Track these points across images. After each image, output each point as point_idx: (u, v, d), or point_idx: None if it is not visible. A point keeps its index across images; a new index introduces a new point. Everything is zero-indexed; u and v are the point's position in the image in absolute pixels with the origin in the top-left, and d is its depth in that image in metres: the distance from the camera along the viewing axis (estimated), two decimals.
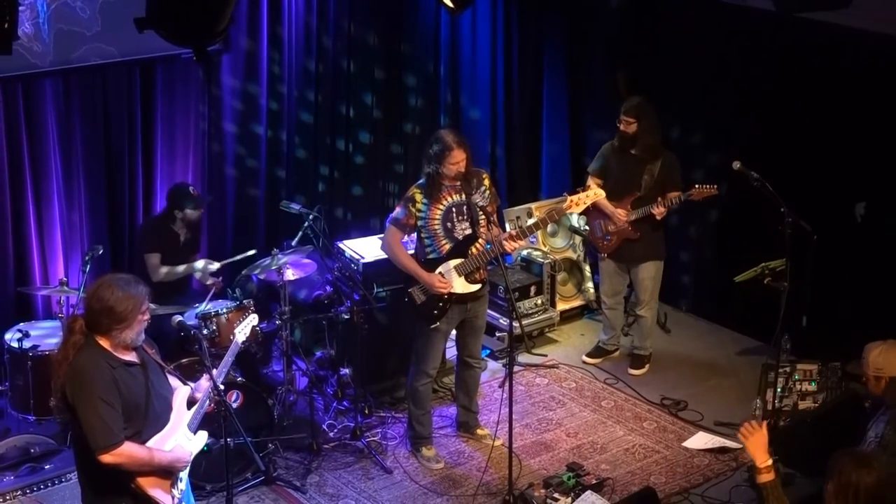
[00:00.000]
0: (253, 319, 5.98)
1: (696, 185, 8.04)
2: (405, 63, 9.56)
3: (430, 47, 9.63)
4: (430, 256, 7.16)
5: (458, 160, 6.98)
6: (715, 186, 8.02)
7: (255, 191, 9.02)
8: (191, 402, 5.46)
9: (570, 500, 6.92)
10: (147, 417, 5.18)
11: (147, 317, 5.22)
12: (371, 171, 9.59)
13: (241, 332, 5.85)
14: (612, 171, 8.28)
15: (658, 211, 8.05)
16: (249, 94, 8.81)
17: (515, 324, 6.87)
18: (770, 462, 5.17)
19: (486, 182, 7.21)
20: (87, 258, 7.39)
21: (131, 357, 5.20)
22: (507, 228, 8.84)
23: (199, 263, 8.03)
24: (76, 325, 5.15)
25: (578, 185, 9.32)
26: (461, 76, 9.82)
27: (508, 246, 7.03)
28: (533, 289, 9.07)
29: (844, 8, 7.25)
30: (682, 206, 8.17)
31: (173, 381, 5.51)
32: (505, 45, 9.81)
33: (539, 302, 9.10)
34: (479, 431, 7.75)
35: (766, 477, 5.14)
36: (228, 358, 5.66)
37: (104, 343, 5.12)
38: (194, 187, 8.11)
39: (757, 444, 5.16)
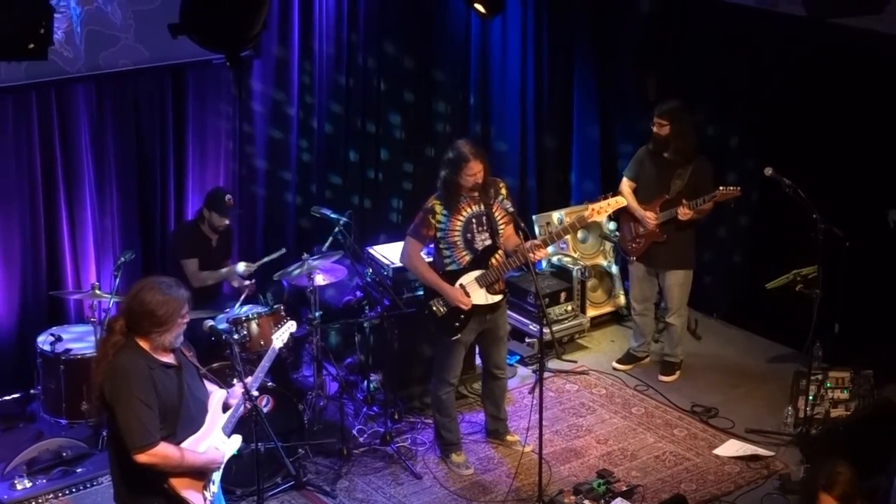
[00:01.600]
0: (291, 326, 6.02)
1: (721, 188, 8.01)
2: (434, 61, 9.58)
3: (461, 51, 9.63)
4: (450, 268, 7.14)
5: (474, 171, 6.95)
6: (738, 188, 8.00)
7: (285, 196, 9.05)
8: (226, 407, 5.50)
9: None
10: (182, 419, 5.22)
11: (186, 320, 5.27)
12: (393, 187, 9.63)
13: (279, 338, 5.89)
14: (645, 173, 8.26)
15: (682, 212, 8.03)
16: (279, 101, 8.84)
17: (546, 330, 6.85)
18: None
19: (504, 191, 7.17)
20: (118, 263, 7.43)
21: (169, 359, 5.25)
22: (538, 234, 8.82)
23: (240, 266, 8.04)
24: (117, 325, 5.21)
25: (609, 192, 9.31)
26: (491, 82, 9.81)
27: (536, 255, 6.98)
28: (563, 295, 9.05)
29: (876, 14, 7.21)
30: (712, 211, 8.13)
31: (210, 384, 5.55)
32: (535, 53, 9.78)
33: (569, 308, 9.09)
34: (509, 438, 7.73)
35: None
36: (265, 363, 5.69)
37: (144, 344, 5.17)
38: (231, 197, 8.09)
39: None
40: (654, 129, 8.15)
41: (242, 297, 7.85)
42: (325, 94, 9.05)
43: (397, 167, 9.59)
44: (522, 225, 6.95)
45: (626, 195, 8.01)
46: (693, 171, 8.12)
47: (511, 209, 7.06)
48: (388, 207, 9.64)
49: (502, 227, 7.10)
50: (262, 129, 8.82)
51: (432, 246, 7.26)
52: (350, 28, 9.05)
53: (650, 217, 8.16)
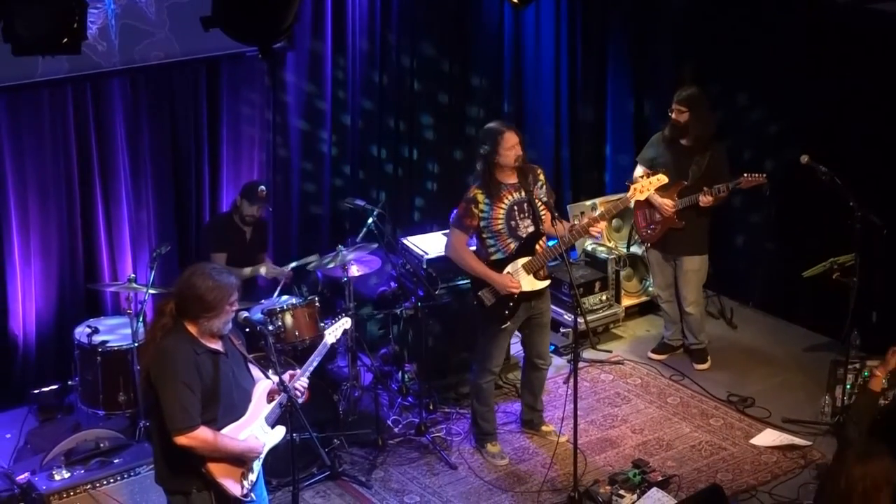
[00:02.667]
0: (345, 322, 6.05)
1: (745, 174, 7.96)
2: (467, 60, 9.56)
3: (493, 46, 9.60)
4: (495, 257, 7.12)
5: (512, 143, 6.93)
6: (764, 175, 7.95)
7: (319, 187, 9.06)
8: (271, 397, 5.53)
9: (635, 497, 6.88)
10: (224, 405, 5.28)
11: (235, 308, 5.33)
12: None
13: (332, 333, 5.93)
14: (661, 160, 8.22)
15: (705, 200, 7.99)
16: (312, 93, 8.84)
17: (580, 320, 6.83)
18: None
19: (542, 177, 7.18)
20: (154, 255, 7.46)
21: (216, 345, 5.31)
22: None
23: (261, 269, 8.06)
24: (167, 308, 5.28)
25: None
26: (525, 73, 9.78)
27: (594, 229, 6.98)
28: (598, 284, 9.03)
29: None
30: (746, 197, 8.09)
31: (256, 373, 5.59)
32: (569, 42, 9.76)
33: (604, 298, 9.06)
34: (544, 428, 7.73)
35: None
36: (315, 358, 5.73)
37: (192, 329, 5.23)
38: (264, 189, 8.10)
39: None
40: (673, 115, 8.11)
41: (280, 286, 7.88)
42: (359, 89, 9.04)
43: (423, 166, 9.58)
44: (557, 214, 6.96)
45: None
46: (710, 158, 8.08)
47: (545, 199, 7.05)
48: (411, 206, 9.63)
49: (544, 213, 7.08)
50: (295, 121, 8.83)
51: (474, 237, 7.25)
52: (383, 21, 9.03)
53: (668, 204, 8.12)
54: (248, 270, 8.00)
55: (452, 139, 9.61)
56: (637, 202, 7.91)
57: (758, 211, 9.18)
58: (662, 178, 7.22)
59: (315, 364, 5.75)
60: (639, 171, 8.25)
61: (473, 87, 9.62)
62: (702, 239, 8.31)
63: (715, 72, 9.30)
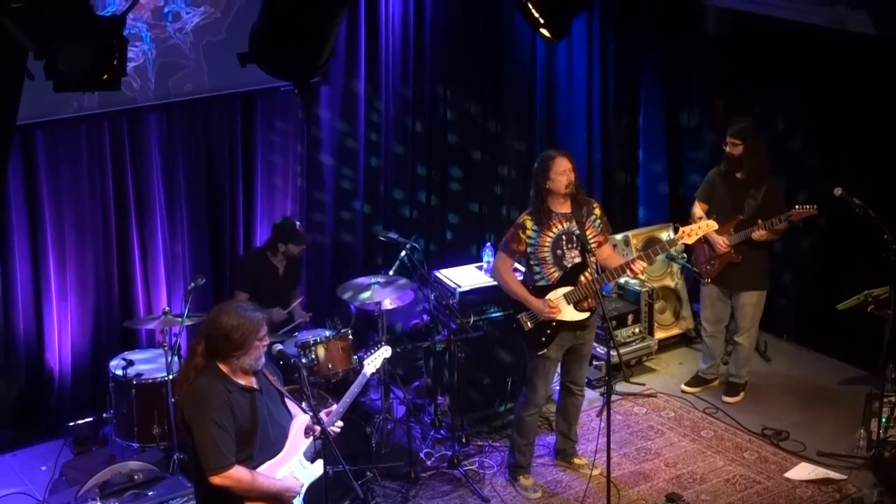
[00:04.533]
0: (385, 352, 6.06)
1: (796, 206, 7.94)
2: (500, 85, 9.61)
3: (527, 79, 9.64)
4: (539, 284, 7.16)
5: (564, 168, 6.98)
6: (815, 207, 7.91)
7: (352, 220, 9.09)
8: (308, 432, 5.53)
9: None
10: (260, 443, 5.28)
11: (265, 342, 5.34)
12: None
13: (371, 363, 5.95)
14: (717, 194, 8.22)
15: (758, 234, 7.97)
16: (345, 131, 8.90)
17: (613, 352, 6.83)
18: None
19: (597, 211, 7.21)
20: (189, 289, 7.51)
21: (250, 382, 5.32)
22: None
23: (274, 311, 8.05)
24: (198, 348, 5.31)
25: (676, 213, 9.25)
26: (557, 102, 9.81)
27: (637, 267, 7.04)
28: (630, 317, 9.01)
29: None
30: (793, 229, 8.07)
31: (294, 408, 5.59)
32: (601, 72, 9.78)
33: (637, 330, 9.04)
34: (577, 461, 7.71)
35: None
36: (354, 388, 5.76)
37: (224, 367, 5.25)
38: (301, 223, 8.18)
39: None
40: (727, 148, 8.11)
41: (293, 324, 7.92)
42: (392, 130, 9.10)
43: (442, 214, 9.59)
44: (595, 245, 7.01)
45: (695, 218, 8.01)
46: (766, 190, 8.06)
47: (598, 233, 7.12)
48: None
49: (594, 246, 7.09)
50: (329, 154, 8.88)
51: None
52: (416, 61, 9.09)
53: (722, 243, 8.10)
54: (274, 313, 7.97)
55: (479, 190, 9.65)
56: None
57: (794, 244, 9.15)
58: (712, 225, 7.26)
59: (354, 395, 5.77)
60: (697, 209, 8.25)
61: (507, 145, 9.65)
62: (761, 274, 8.27)
63: (747, 104, 9.30)
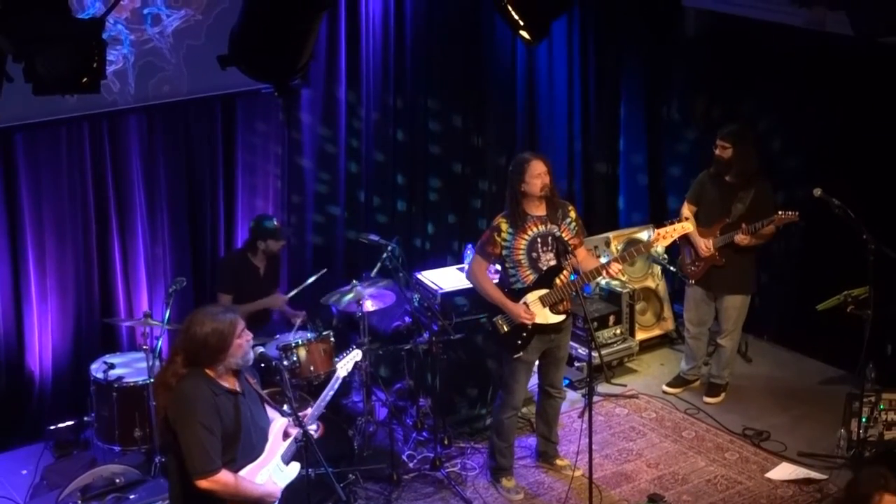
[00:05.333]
0: (356, 355, 6.06)
1: (779, 212, 7.97)
2: (483, 97, 9.61)
3: (507, 84, 9.65)
4: (515, 286, 7.16)
5: (539, 171, 6.99)
6: (797, 213, 7.94)
7: (334, 222, 9.10)
8: (286, 434, 5.54)
9: None
10: (243, 446, 5.28)
11: (245, 338, 5.32)
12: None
13: (344, 367, 5.95)
14: (706, 196, 8.24)
15: (740, 238, 7.99)
16: (326, 134, 8.90)
17: (595, 354, 6.85)
18: None
19: (573, 214, 7.22)
20: (170, 290, 7.50)
21: (234, 385, 5.31)
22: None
23: (277, 301, 8.07)
24: (177, 359, 5.27)
25: (657, 215, 9.26)
26: (539, 105, 9.83)
27: (613, 269, 7.08)
28: (612, 318, 9.03)
29: None
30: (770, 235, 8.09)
31: (271, 411, 5.59)
32: (581, 74, 9.81)
33: (618, 332, 9.06)
34: (559, 462, 7.72)
35: None
36: (328, 392, 5.75)
37: (210, 372, 5.24)
38: (276, 218, 8.22)
39: None
40: (717, 151, 8.13)
41: (296, 327, 7.91)
42: (372, 134, 9.10)
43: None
44: (571, 249, 7.02)
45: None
46: (755, 194, 8.08)
47: (574, 235, 7.12)
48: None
49: (572, 247, 7.10)
50: (309, 157, 8.89)
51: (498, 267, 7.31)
52: (397, 68, 9.10)
53: (703, 247, 8.11)
54: (262, 302, 8.03)
55: (462, 196, 9.68)
56: (681, 239, 7.92)
57: (774, 245, 9.18)
58: (687, 226, 7.30)
59: (328, 398, 5.77)
60: (685, 210, 8.29)
61: (487, 158, 9.66)
62: (746, 278, 8.29)
63: (728, 106, 9.33)
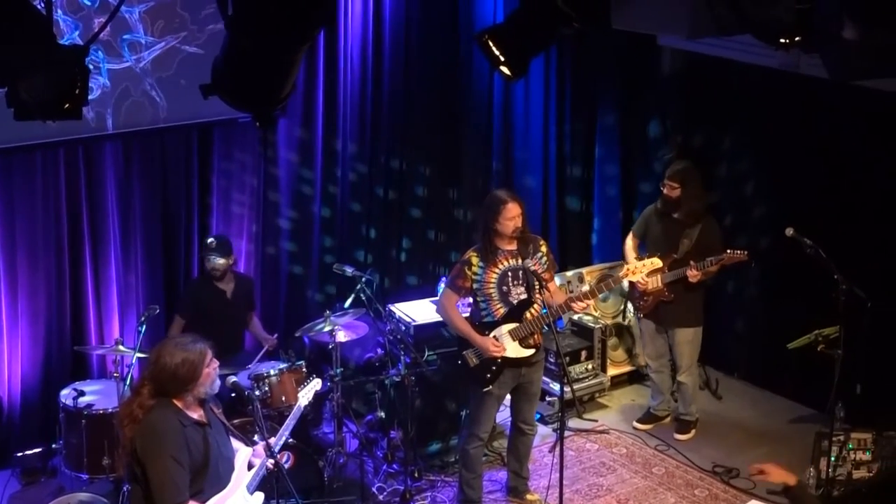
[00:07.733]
0: (316, 384, 6.07)
1: (728, 251, 8.04)
2: (460, 135, 9.65)
3: (484, 114, 9.69)
4: (486, 320, 7.18)
5: (513, 214, 7.02)
6: (746, 252, 8.02)
7: (308, 252, 9.09)
8: (250, 465, 5.53)
9: None
10: (210, 477, 5.27)
11: (213, 367, 5.34)
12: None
13: (305, 396, 5.96)
14: (652, 232, 8.32)
15: (692, 274, 8.05)
16: (302, 163, 8.91)
17: (566, 388, 6.86)
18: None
19: (544, 248, 7.24)
20: (142, 318, 7.47)
21: (200, 416, 5.30)
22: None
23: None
24: (144, 390, 5.25)
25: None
26: (514, 141, 9.86)
27: (577, 306, 7.13)
28: (584, 353, 9.04)
29: None
30: (729, 271, 8.15)
31: (235, 442, 5.58)
32: (557, 113, 9.84)
33: (590, 367, 9.08)
34: (529, 497, 7.71)
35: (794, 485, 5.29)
36: (290, 421, 5.75)
37: (178, 403, 5.23)
38: (219, 237, 8.14)
39: (779, 473, 5.32)
40: (665, 190, 8.22)
41: (262, 352, 7.89)
42: (349, 159, 9.11)
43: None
44: (548, 285, 7.04)
45: (627, 251, 8.31)
46: (702, 231, 8.17)
47: (544, 270, 7.13)
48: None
49: (537, 283, 7.12)
50: (286, 188, 8.89)
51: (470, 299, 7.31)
52: (374, 94, 9.11)
53: (641, 282, 8.08)
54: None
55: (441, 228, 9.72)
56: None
57: (743, 282, 9.25)
58: (657, 262, 7.37)
59: (291, 427, 5.77)
60: (629, 242, 8.35)
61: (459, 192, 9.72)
62: (694, 311, 8.36)
63: (702, 143, 9.40)
